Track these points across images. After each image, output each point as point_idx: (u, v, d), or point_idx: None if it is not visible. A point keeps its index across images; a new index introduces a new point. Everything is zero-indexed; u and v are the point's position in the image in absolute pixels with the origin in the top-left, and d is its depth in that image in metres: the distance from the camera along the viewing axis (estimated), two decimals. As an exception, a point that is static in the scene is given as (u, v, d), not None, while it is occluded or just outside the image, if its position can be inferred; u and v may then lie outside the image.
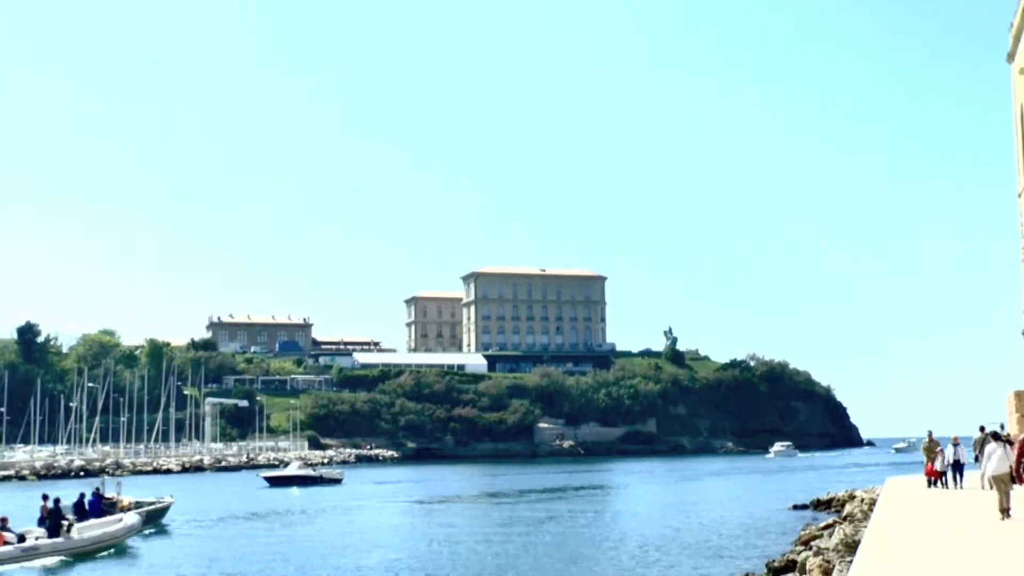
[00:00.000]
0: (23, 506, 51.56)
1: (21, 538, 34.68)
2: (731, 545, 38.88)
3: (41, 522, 36.96)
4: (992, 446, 25.35)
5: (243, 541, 43.81)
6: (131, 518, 40.73)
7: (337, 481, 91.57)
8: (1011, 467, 24.76)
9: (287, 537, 45.69)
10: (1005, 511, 24.09)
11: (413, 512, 60.76)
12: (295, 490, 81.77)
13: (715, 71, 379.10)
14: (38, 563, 33.72)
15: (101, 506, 43.41)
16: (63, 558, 34.88)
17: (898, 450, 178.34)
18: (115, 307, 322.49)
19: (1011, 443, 29.04)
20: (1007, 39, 50.27)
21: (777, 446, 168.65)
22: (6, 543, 33.62)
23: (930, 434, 40.05)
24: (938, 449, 38.49)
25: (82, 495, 43.71)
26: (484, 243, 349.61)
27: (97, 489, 45.45)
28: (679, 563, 33.69)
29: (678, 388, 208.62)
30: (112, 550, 37.80)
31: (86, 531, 37.36)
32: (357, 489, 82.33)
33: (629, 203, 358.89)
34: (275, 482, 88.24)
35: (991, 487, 25.84)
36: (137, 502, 48.65)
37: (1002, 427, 40.50)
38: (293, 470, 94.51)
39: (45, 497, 38.35)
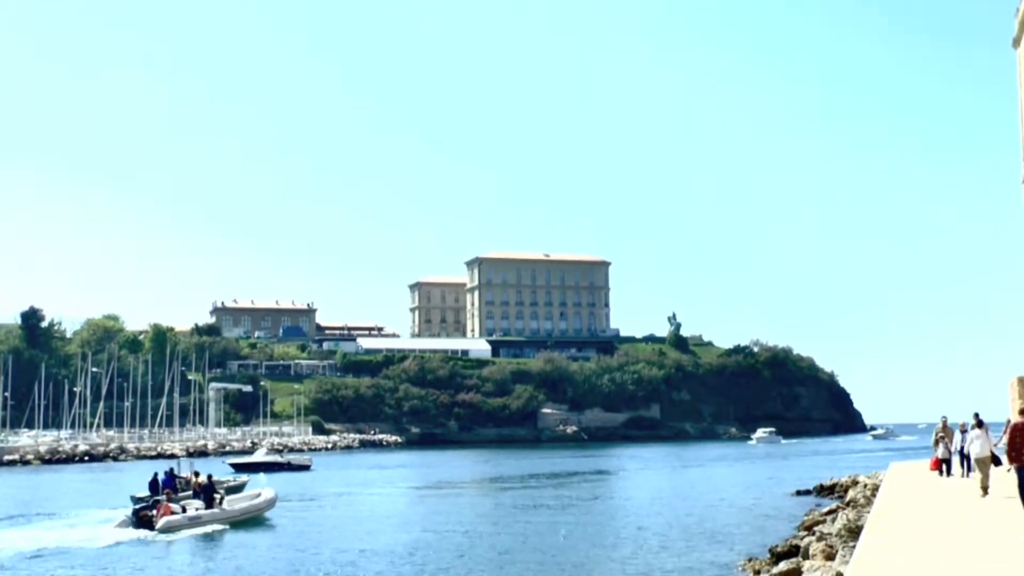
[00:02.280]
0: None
1: (183, 509, 38.99)
2: (734, 530, 38.92)
3: (195, 495, 41.36)
4: (975, 432, 28.32)
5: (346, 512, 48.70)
6: (269, 493, 44.76)
7: (306, 468, 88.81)
8: (991, 450, 27.36)
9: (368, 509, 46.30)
10: (985, 488, 26.80)
11: (388, 501, 59.26)
12: (262, 477, 78.42)
13: (718, 58, 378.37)
14: (202, 530, 37.86)
15: (175, 485, 46.85)
16: (223, 526, 39.10)
17: (876, 436, 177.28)
18: (119, 292, 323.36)
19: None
20: (1013, 24, 49.98)
21: (760, 432, 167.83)
22: (172, 513, 37.95)
23: (944, 421, 37.72)
24: (939, 435, 37.44)
25: (156, 474, 48.42)
26: (488, 228, 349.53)
27: (171, 469, 49.41)
28: (682, 548, 33.74)
29: (682, 374, 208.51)
30: (251, 521, 41.73)
31: (235, 503, 42.02)
32: (327, 476, 79.68)
33: (634, 189, 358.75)
34: (241, 468, 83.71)
35: (976, 468, 28.73)
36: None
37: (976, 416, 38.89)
38: (260, 456, 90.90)
39: (196, 473, 43.79)
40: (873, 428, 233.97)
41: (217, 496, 40.72)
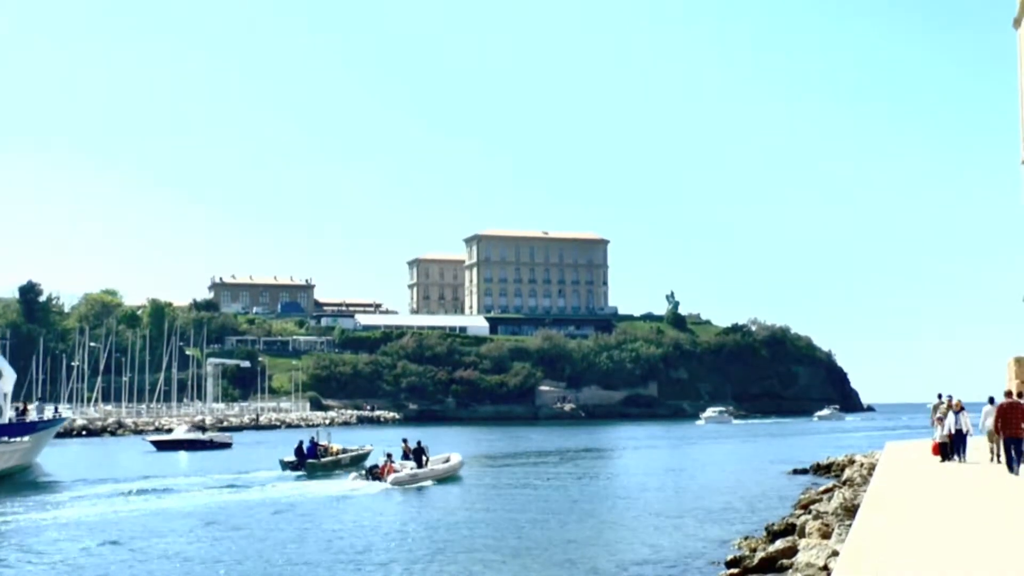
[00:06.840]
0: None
1: (401, 468, 47.83)
2: (730, 508, 38.93)
3: (405, 457, 49.97)
4: (988, 408, 31.56)
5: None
6: (457, 457, 53.99)
7: (227, 446, 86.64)
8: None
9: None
10: (995, 454, 31.53)
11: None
12: (183, 455, 75.63)
13: (715, 37, 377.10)
14: (419, 484, 47.13)
15: (317, 451, 56.42)
16: (431, 482, 48.43)
17: (821, 418, 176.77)
18: (117, 267, 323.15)
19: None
20: (1014, 4, 49.74)
21: (709, 411, 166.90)
22: (396, 471, 46.99)
23: (949, 399, 35.63)
24: (936, 417, 35.65)
25: (301, 442, 57.25)
26: (487, 205, 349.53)
27: (313, 438, 58.08)
28: (678, 526, 33.74)
29: (679, 352, 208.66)
30: (449, 478, 50.89)
31: (436, 464, 51.11)
32: (246, 454, 76.84)
33: (632, 166, 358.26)
34: (162, 446, 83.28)
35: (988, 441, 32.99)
36: (344, 449, 60.55)
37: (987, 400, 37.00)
38: (180, 434, 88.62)
39: (405, 440, 51.99)
40: (870, 407, 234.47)
41: (424, 458, 49.82)
